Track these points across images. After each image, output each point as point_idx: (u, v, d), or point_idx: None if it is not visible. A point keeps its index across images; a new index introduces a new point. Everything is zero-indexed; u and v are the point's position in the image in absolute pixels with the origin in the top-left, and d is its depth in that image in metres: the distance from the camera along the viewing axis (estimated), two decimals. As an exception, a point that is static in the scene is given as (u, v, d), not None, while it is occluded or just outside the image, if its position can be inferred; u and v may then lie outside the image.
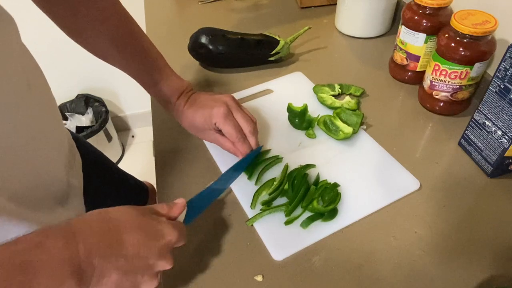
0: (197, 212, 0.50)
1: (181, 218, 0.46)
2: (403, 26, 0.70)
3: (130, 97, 1.87)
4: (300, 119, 0.65)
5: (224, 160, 0.61)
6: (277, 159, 0.60)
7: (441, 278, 0.47)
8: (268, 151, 0.63)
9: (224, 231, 0.52)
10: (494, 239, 0.50)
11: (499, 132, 0.54)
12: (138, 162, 1.84)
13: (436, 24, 0.66)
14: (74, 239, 0.34)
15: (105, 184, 0.78)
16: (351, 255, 0.49)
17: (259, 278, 0.47)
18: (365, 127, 0.66)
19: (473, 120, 0.59)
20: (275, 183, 0.56)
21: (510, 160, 0.56)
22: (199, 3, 1.05)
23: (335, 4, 0.91)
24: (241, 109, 0.59)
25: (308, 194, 0.55)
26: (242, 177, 0.59)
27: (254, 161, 0.60)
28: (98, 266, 0.35)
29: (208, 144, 0.64)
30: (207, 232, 0.53)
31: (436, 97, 0.66)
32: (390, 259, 0.49)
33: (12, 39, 0.45)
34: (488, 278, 0.46)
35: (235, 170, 0.58)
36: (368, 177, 0.58)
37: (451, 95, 0.65)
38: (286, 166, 0.58)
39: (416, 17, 0.67)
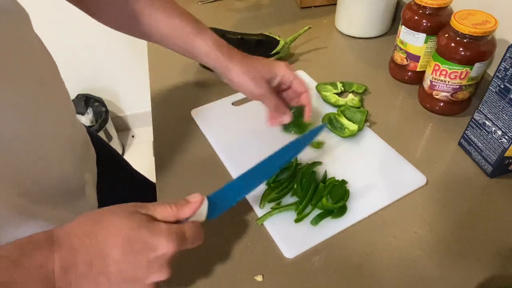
0: (226, 205, 0.45)
1: (202, 214, 0.42)
2: (403, 26, 0.70)
3: (130, 97, 1.86)
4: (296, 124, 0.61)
5: (232, 160, 0.61)
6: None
7: (441, 278, 0.47)
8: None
9: (226, 230, 0.52)
10: (494, 239, 0.50)
11: (499, 132, 0.54)
12: (138, 162, 1.84)
13: (436, 24, 0.66)
14: (51, 257, 0.34)
15: (116, 177, 0.77)
16: (351, 255, 0.49)
17: (259, 278, 0.47)
18: (369, 124, 0.67)
19: (473, 120, 0.59)
20: (283, 181, 0.56)
21: (510, 160, 0.56)
22: (199, 3, 1.05)
23: (335, 4, 0.91)
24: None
25: (317, 192, 0.55)
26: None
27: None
28: (75, 284, 0.34)
29: (215, 146, 0.64)
30: (211, 230, 0.52)
31: (436, 97, 0.66)
32: (390, 259, 0.49)
33: (23, 35, 0.44)
34: (488, 278, 0.46)
35: (277, 159, 0.50)
36: (375, 173, 0.58)
37: (451, 95, 0.65)
38: (293, 165, 0.59)
39: (416, 17, 0.67)
